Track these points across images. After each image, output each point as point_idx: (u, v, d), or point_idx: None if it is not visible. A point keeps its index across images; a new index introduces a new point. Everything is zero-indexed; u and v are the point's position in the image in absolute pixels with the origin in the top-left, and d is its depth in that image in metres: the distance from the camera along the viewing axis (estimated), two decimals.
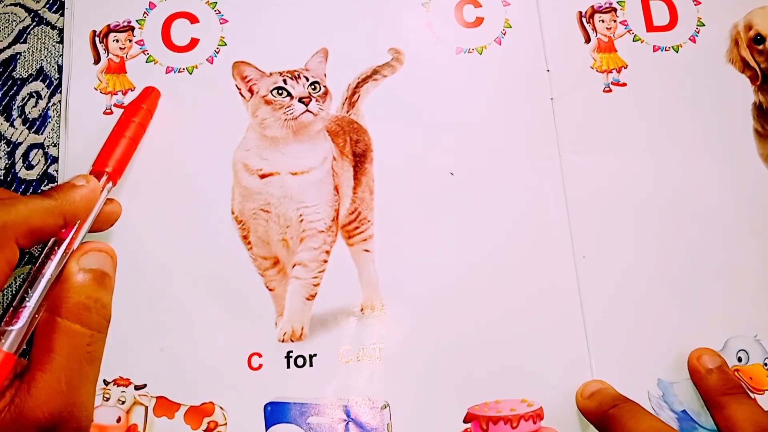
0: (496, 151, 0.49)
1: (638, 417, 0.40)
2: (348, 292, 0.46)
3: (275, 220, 0.47)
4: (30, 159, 0.49)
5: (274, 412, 0.43)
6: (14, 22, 0.52)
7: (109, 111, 0.49)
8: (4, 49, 0.51)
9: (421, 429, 0.43)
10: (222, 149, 0.48)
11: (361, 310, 0.45)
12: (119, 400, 0.44)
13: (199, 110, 0.49)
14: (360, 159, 0.48)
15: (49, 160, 0.49)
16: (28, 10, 0.52)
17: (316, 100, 0.48)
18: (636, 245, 0.47)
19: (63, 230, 0.38)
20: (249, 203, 0.47)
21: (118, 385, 0.44)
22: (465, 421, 0.43)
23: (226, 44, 0.50)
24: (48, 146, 0.49)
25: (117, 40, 0.51)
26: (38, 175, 0.49)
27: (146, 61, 0.50)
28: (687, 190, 0.48)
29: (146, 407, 0.43)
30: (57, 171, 0.48)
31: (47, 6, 0.52)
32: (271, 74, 0.49)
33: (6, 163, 0.49)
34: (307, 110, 0.48)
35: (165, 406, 0.43)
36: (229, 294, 0.46)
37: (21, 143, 0.49)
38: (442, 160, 0.48)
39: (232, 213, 0.47)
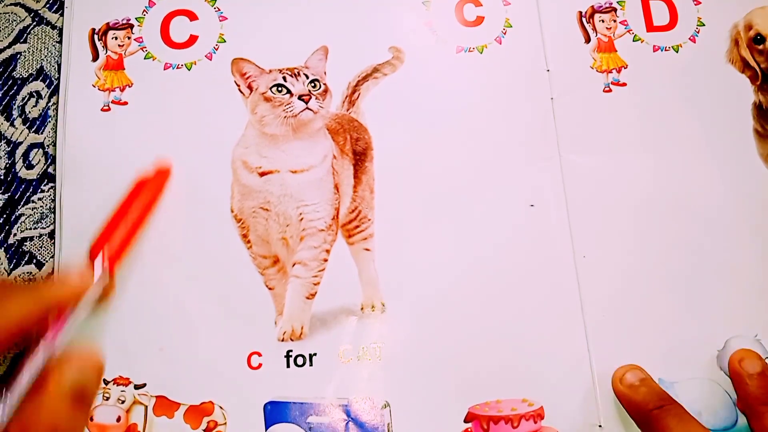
0: (496, 151, 0.49)
1: (685, 423, 0.39)
2: (348, 291, 0.46)
3: (275, 218, 0.47)
4: (30, 159, 0.49)
5: (274, 411, 0.43)
6: (14, 22, 0.51)
7: (106, 108, 0.49)
8: (4, 49, 0.51)
9: (422, 428, 0.43)
10: (221, 146, 0.48)
11: (362, 309, 0.45)
12: (119, 399, 0.43)
13: (198, 107, 0.49)
14: (360, 157, 0.48)
15: (49, 160, 0.49)
16: (28, 9, 0.52)
17: (316, 98, 0.48)
18: (636, 245, 0.47)
19: (48, 325, 0.34)
20: (248, 201, 0.47)
21: (118, 385, 0.44)
22: (466, 421, 0.43)
23: (225, 41, 0.50)
24: (48, 146, 0.49)
25: (116, 38, 0.50)
26: (38, 174, 0.49)
27: (144, 58, 0.50)
28: (687, 190, 0.48)
29: (146, 406, 0.43)
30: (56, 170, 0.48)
31: (47, 6, 0.52)
32: (270, 71, 0.49)
33: (6, 163, 0.49)
34: (307, 108, 0.48)
35: (165, 406, 0.43)
36: (229, 293, 0.45)
37: (21, 143, 0.49)
38: (442, 158, 0.48)
39: (232, 211, 0.47)
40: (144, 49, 0.50)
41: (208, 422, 0.43)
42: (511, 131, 0.49)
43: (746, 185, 0.48)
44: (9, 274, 0.47)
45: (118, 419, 0.43)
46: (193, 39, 0.50)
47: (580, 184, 0.48)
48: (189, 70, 0.50)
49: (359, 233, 0.47)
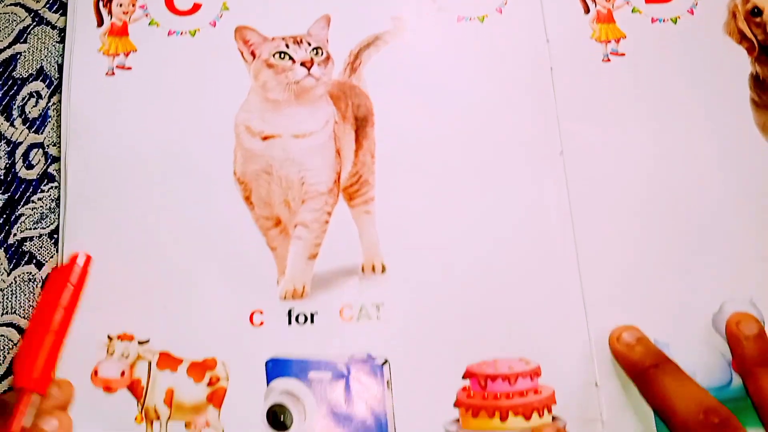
0: (495, 119, 0.49)
1: (681, 381, 0.40)
2: (349, 253, 0.46)
3: (277, 182, 0.47)
4: (30, 159, 0.49)
5: (276, 368, 0.43)
6: (14, 22, 0.52)
7: (111, 72, 0.49)
8: (4, 49, 0.51)
9: (420, 385, 0.44)
10: (224, 111, 0.48)
11: (362, 269, 0.46)
12: (123, 354, 0.44)
13: (201, 72, 0.49)
14: (362, 123, 0.49)
15: (49, 160, 0.49)
16: (28, 10, 0.52)
17: (318, 65, 0.49)
18: (633, 209, 0.47)
19: None
20: (251, 165, 0.47)
21: (122, 340, 0.44)
22: (463, 378, 0.44)
23: (228, 9, 0.51)
24: (48, 146, 0.49)
25: (120, 5, 0.51)
26: (38, 174, 0.49)
27: (149, 24, 0.50)
28: (684, 157, 0.48)
29: (149, 362, 0.44)
30: (57, 170, 0.48)
31: (47, 6, 0.52)
32: (273, 39, 0.49)
33: (6, 163, 0.49)
34: (309, 74, 0.48)
35: (168, 361, 0.44)
36: (232, 253, 0.46)
37: (21, 143, 0.50)
38: (441, 125, 0.49)
39: (235, 174, 0.47)
40: (148, 16, 0.50)
41: (211, 377, 0.43)
42: (510, 100, 0.49)
43: (742, 153, 0.48)
44: (9, 274, 0.47)
45: (122, 374, 0.44)
46: (197, 6, 0.51)
47: (579, 153, 0.48)
48: (193, 36, 0.50)
49: (360, 197, 0.47)
